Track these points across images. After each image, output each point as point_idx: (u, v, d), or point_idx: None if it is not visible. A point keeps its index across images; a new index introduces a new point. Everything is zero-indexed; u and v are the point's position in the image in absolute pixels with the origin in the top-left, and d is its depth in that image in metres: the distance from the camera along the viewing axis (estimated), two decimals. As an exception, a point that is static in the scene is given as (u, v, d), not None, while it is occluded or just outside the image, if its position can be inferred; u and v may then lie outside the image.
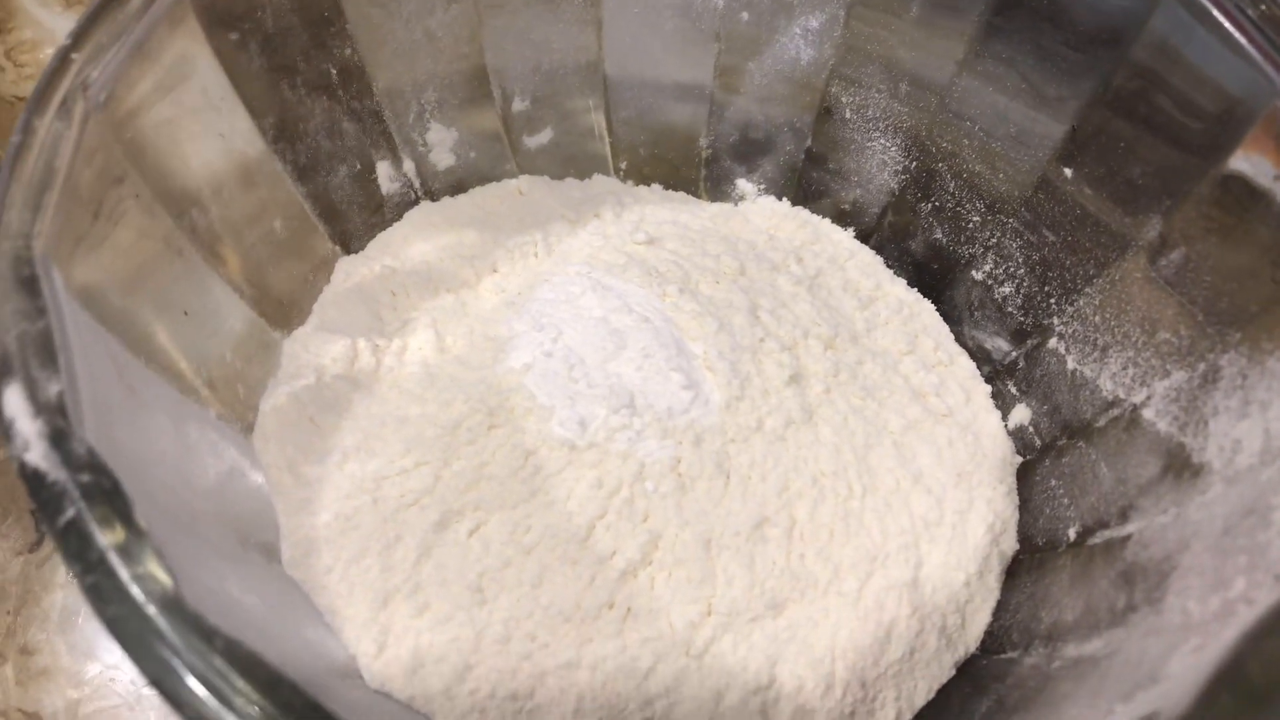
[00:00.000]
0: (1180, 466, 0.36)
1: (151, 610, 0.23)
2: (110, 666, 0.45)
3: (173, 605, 0.24)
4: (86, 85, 0.32)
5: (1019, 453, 0.46)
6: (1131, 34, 0.39)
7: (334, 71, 0.44)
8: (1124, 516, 0.38)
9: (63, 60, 0.32)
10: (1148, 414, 0.39)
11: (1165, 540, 0.35)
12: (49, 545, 0.47)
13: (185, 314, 0.37)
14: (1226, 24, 0.35)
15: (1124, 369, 0.41)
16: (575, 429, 0.40)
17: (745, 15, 0.49)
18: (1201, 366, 0.36)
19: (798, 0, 0.48)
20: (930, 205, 0.50)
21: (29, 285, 0.27)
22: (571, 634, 0.36)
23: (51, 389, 0.26)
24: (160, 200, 0.36)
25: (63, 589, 0.46)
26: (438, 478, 0.39)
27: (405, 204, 0.50)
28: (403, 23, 0.45)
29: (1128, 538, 0.37)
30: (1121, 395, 0.40)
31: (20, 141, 0.30)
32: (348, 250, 0.48)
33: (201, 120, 0.39)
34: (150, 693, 0.44)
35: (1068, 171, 0.43)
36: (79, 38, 0.32)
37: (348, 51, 0.44)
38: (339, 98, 0.45)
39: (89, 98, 0.32)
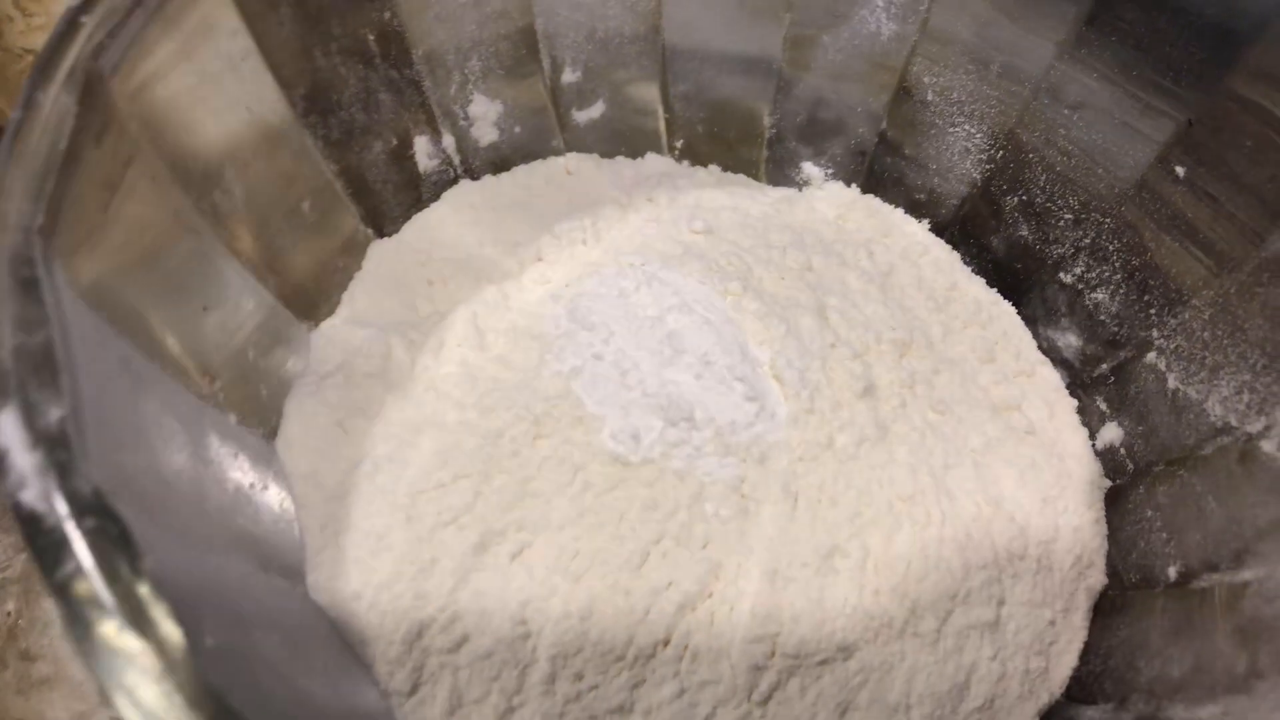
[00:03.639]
0: (1310, 511, 0.32)
1: (165, 688, 0.20)
2: (118, 676, 0.41)
3: (186, 679, 0.20)
4: (98, 52, 0.28)
5: (1108, 476, 0.42)
6: (1267, 19, 0.35)
7: (371, 36, 0.40)
8: (1238, 560, 0.34)
9: (70, 24, 0.28)
10: (1267, 447, 0.35)
11: (1295, 597, 0.31)
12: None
13: (204, 309, 0.33)
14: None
15: (1237, 393, 0.37)
16: (628, 443, 0.37)
17: (822, -17, 0.44)
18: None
19: (882, -31, 0.43)
20: (1016, 199, 0.45)
21: (29, 288, 0.24)
22: (624, 675, 0.33)
23: (52, 414, 0.22)
24: (178, 180, 0.32)
25: (68, 589, 0.43)
26: (478, 494, 0.35)
27: (444, 183, 0.46)
28: (447, -17, 0.41)
29: (1244, 586, 0.33)
30: (1234, 423, 0.37)
31: (21, 119, 0.26)
32: (381, 233, 0.44)
33: (224, 90, 0.35)
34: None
35: (1179, 170, 0.39)
36: (89, -2, 0.28)
37: (386, 15, 0.40)
38: (375, 65, 0.41)
39: (100, 66, 0.28)
